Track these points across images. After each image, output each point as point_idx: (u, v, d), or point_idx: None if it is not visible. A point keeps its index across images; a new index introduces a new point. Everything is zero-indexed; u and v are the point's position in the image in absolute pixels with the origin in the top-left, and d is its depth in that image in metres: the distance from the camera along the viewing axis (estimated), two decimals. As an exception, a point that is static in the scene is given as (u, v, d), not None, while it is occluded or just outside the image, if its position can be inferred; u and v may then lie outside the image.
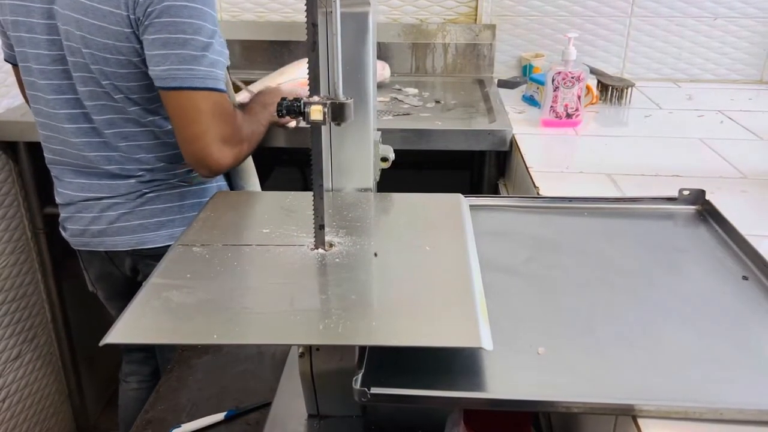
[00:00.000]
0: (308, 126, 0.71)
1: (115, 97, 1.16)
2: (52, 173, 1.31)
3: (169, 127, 1.21)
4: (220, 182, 1.35)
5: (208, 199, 1.27)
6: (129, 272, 1.35)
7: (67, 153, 1.24)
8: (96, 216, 1.26)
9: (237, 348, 1.03)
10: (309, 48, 0.68)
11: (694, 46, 1.96)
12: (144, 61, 1.12)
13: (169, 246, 1.24)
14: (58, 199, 1.31)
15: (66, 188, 1.28)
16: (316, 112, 0.69)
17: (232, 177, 1.40)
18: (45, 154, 1.29)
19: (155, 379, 1.59)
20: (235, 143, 1.16)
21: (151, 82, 1.14)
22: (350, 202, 0.89)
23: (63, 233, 1.34)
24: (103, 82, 1.15)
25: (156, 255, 1.28)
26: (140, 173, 1.23)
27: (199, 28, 1.08)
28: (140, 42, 1.10)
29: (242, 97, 1.53)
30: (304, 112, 0.70)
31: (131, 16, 1.08)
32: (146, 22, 1.08)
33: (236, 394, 0.95)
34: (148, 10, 1.07)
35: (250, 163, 1.40)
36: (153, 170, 1.24)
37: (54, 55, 1.17)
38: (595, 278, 0.81)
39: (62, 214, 1.32)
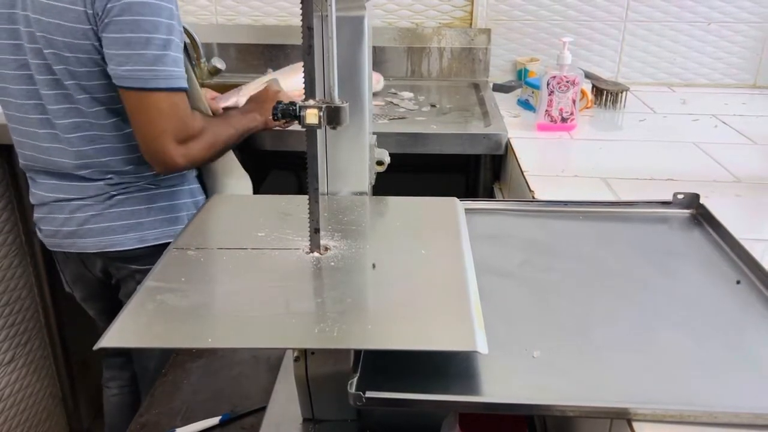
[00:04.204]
0: (303, 129, 0.72)
1: (78, 98, 1.16)
2: (27, 175, 1.32)
3: (132, 129, 1.20)
4: (192, 185, 1.34)
5: (177, 202, 1.29)
6: (100, 274, 1.35)
7: (37, 158, 1.25)
8: (67, 217, 1.26)
9: (232, 352, 1.03)
10: (305, 51, 0.68)
11: (689, 51, 1.97)
12: (104, 58, 1.12)
13: (137, 249, 1.26)
14: (32, 200, 1.32)
15: (39, 189, 1.29)
16: (312, 116, 0.69)
17: (204, 178, 1.39)
18: (19, 159, 1.30)
19: (136, 384, 1.59)
20: (192, 143, 1.17)
21: (112, 81, 1.14)
22: (346, 206, 0.89)
23: (39, 234, 1.34)
24: (66, 83, 1.15)
25: (125, 258, 1.28)
26: (109, 176, 1.23)
27: (157, 24, 1.08)
28: (99, 39, 1.09)
29: (230, 101, 1.54)
30: (299, 115, 0.70)
31: (89, 11, 1.07)
32: (106, 20, 1.07)
33: (231, 397, 0.95)
34: (108, 6, 1.06)
35: (226, 165, 1.38)
36: (120, 173, 1.24)
37: (20, 60, 1.17)
38: (589, 281, 0.81)
39: (36, 215, 1.32)
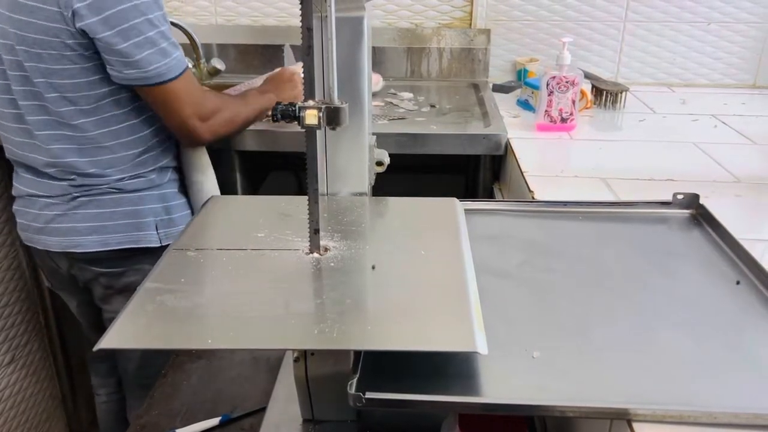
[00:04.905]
0: (303, 130, 0.72)
1: (47, 96, 1.17)
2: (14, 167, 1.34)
3: (101, 131, 1.22)
4: (164, 189, 1.32)
5: (143, 207, 1.29)
6: (66, 273, 1.35)
7: (13, 152, 1.28)
8: (37, 213, 1.28)
9: (231, 353, 1.03)
10: (304, 52, 0.68)
11: (688, 51, 1.97)
12: (80, 56, 1.14)
13: (100, 252, 1.27)
14: (12, 192, 1.34)
15: (18, 182, 1.31)
16: (311, 117, 0.69)
17: (187, 172, 1.38)
18: (5, 152, 1.32)
19: (122, 391, 1.58)
20: (213, 119, 1.26)
21: (85, 80, 1.16)
22: (345, 207, 0.89)
23: (17, 227, 1.36)
24: (36, 80, 1.16)
25: (88, 259, 1.29)
26: (72, 176, 1.24)
27: (151, 21, 1.12)
28: (73, 38, 1.12)
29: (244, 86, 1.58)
30: (299, 116, 0.70)
31: (65, 13, 1.09)
32: (99, 35, 1.10)
33: (231, 398, 0.95)
34: (90, 21, 1.08)
35: (206, 159, 1.40)
36: (84, 175, 1.24)
37: None
38: (589, 282, 0.81)
39: (14, 206, 1.34)
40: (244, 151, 1.54)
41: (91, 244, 1.26)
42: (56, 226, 1.26)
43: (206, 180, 1.38)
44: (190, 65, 1.72)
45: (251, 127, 1.43)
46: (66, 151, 1.21)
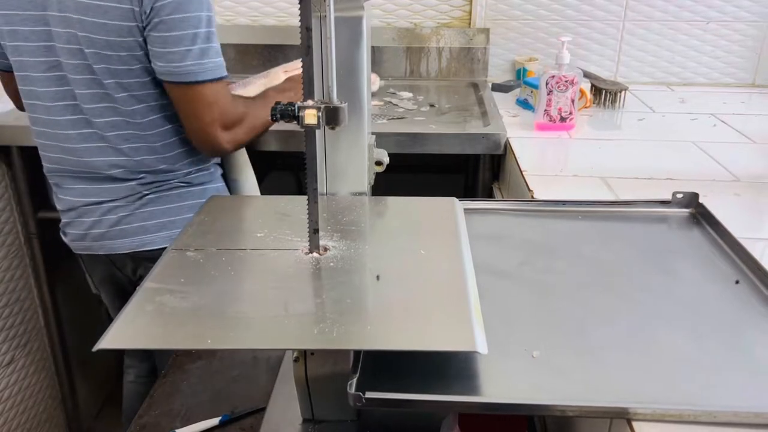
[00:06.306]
0: (302, 130, 0.72)
1: (117, 96, 1.17)
2: (51, 181, 1.31)
3: (170, 125, 1.22)
4: (217, 183, 1.35)
5: (206, 199, 1.29)
6: (131, 275, 1.35)
7: (66, 160, 1.24)
8: (97, 220, 1.26)
9: (231, 353, 1.03)
10: (303, 52, 0.68)
11: (687, 50, 1.97)
12: (147, 55, 1.13)
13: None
14: (58, 206, 1.31)
15: (66, 194, 1.28)
16: (311, 116, 0.69)
17: (226, 171, 1.40)
18: (43, 163, 1.29)
19: (152, 376, 1.59)
20: (236, 128, 1.22)
21: (151, 77, 1.15)
22: (345, 206, 0.89)
23: (64, 238, 1.34)
24: (106, 82, 1.15)
25: (156, 258, 1.28)
26: (141, 175, 1.24)
27: (202, 18, 1.11)
28: (143, 35, 1.11)
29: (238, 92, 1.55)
30: (298, 116, 0.70)
31: (136, 9, 1.09)
32: (155, 19, 1.09)
33: (231, 398, 0.94)
34: (157, 5, 1.08)
35: (245, 158, 1.41)
36: (155, 172, 1.24)
37: (51, 62, 1.17)
38: (589, 281, 0.81)
39: (63, 220, 1.32)
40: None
41: (160, 240, 1.26)
42: (123, 227, 1.25)
43: (246, 179, 1.40)
44: None
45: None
46: (136, 150, 1.21)
